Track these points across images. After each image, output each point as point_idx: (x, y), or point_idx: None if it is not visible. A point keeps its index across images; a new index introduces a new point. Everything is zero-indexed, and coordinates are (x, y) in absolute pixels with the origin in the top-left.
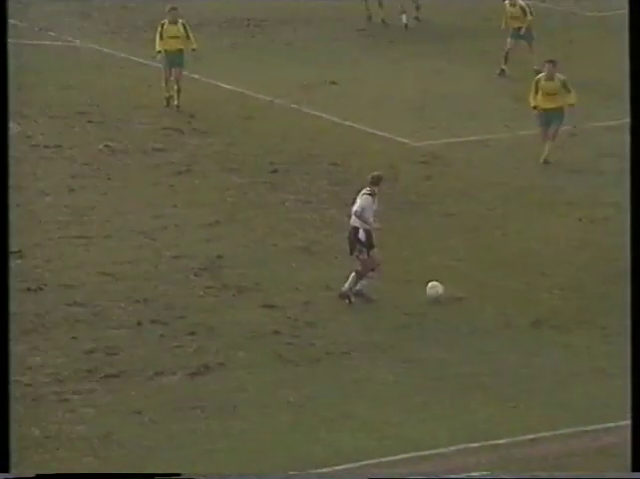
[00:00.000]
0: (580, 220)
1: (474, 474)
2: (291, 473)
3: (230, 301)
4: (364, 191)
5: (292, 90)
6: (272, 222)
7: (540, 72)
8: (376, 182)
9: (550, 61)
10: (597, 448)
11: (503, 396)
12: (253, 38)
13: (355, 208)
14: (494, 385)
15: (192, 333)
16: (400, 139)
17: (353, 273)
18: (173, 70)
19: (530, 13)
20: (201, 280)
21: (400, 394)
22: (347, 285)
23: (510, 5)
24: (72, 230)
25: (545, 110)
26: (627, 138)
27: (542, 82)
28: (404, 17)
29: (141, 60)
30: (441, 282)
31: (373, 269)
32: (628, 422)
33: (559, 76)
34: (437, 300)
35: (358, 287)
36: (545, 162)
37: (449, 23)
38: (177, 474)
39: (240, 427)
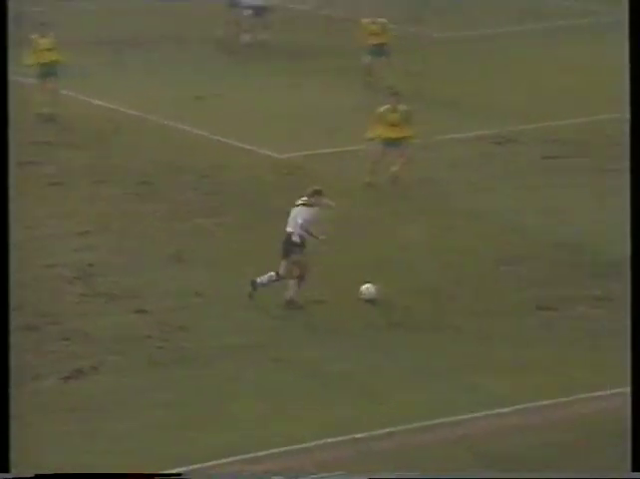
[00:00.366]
0: (432, 227)
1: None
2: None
3: (103, 308)
4: (301, 201)
5: (162, 106)
6: (143, 231)
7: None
8: (313, 194)
9: (395, 93)
10: (448, 440)
11: (365, 393)
12: (123, 56)
13: (299, 220)
14: (357, 382)
15: (66, 339)
16: (264, 151)
17: (293, 281)
18: (48, 80)
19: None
20: (75, 288)
21: (269, 392)
22: (291, 293)
23: (370, 22)
24: None
25: (387, 139)
26: (474, 152)
27: (386, 113)
28: (248, 36)
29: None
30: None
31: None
32: (480, 414)
33: (402, 107)
34: (372, 301)
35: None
36: (394, 177)
37: (306, 41)
38: (178, 474)
39: (114, 428)
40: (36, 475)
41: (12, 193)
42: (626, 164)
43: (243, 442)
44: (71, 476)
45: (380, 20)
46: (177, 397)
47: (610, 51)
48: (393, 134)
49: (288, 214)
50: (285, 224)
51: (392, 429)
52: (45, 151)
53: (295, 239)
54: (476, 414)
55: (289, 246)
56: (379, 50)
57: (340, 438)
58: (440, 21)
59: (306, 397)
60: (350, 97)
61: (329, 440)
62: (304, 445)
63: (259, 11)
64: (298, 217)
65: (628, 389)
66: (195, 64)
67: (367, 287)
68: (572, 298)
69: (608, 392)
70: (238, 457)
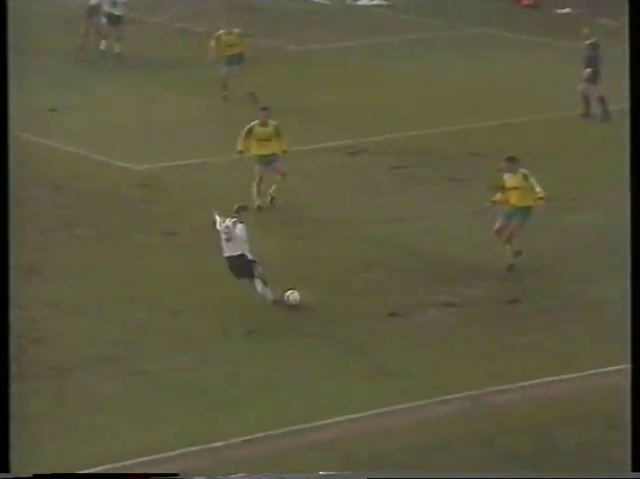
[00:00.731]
0: (289, 237)
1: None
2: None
3: None
4: (231, 221)
5: (14, 117)
6: None
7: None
8: (240, 211)
9: (264, 108)
10: (306, 445)
11: (222, 401)
12: None
13: (240, 237)
14: (214, 391)
15: None
16: (120, 163)
17: (264, 286)
18: None
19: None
20: None
21: (125, 404)
22: (271, 294)
23: (226, 34)
24: None
25: (259, 156)
26: (330, 160)
27: (257, 128)
28: (104, 45)
29: None
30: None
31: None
32: (340, 418)
33: (272, 122)
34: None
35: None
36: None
37: (162, 53)
38: (175, 474)
39: None
40: (36, 475)
41: None
42: (471, 174)
43: (100, 453)
44: (71, 476)
45: (235, 30)
46: (34, 411)
47: (447, 67)
48: (264, 150)
49: (140, 225)
50: (144, 236)
51: (249, 437)
52: None
53: (250, 256)
54: (336, 419)
55: (247, 265)
56: (236, 59)
57: (198, 447)
58: (294, 35)
59: (162, 408)
60: (207, 109)
61: (188, 449)
62: (163, 455)
63: (114, 20)
64: (242, 235)
65: (479, 392)
66: (50, 74)
67: (291, 293)
68: (424, 304)
69: (460, 395)
70: (93, 469)
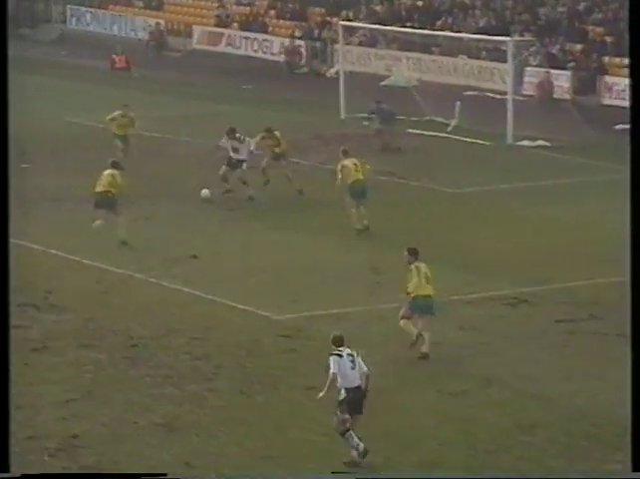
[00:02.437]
0: (440, 392)
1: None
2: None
3: None
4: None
5: (152, 264)
6: (132, 397)
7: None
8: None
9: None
10: None
11: None
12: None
13: (364, 369)
14: None
15: None
16: (261, 312)
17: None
18: None
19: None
20: (57, 461)
21: None
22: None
23: (352, 164)
24: None
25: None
26: (483, 312)
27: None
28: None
29: None
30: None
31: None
32: None
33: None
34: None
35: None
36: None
37: (302, 196)
38: (163, 474)
39: None
40: (36, 475)
41: None
42: None
43: None
44: (71, 476)
45: (358, 161)
46: None
47: (612, 210)
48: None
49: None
50: (285, 390)
51: None
52: (30, 314)
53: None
54: None
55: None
56: (353, 190)
57: None
58: (450, 177)
59: None
60: (347, 253)
61: None
62: None
63: (234, 165)
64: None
65: None
66: (191, 220)
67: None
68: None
69: None
70: None
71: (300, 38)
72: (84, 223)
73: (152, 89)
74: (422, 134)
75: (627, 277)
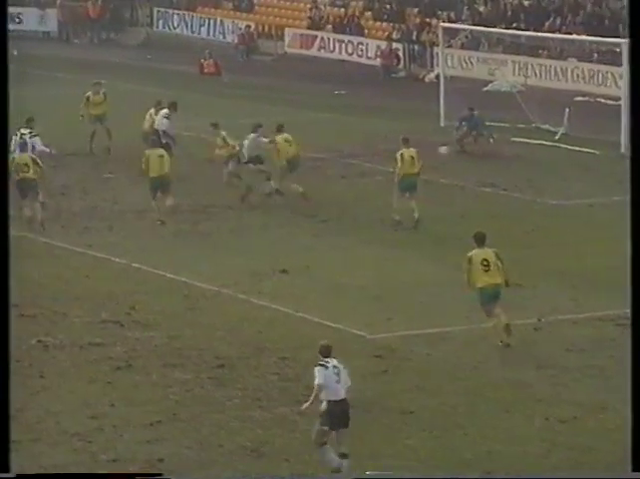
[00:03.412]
0: (547, 419)
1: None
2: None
3: None
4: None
5: (240, 279)
6: (218, 420)
7: None
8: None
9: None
10: None
11: None
12: (198, 225)
13: (348, 383)
14: None
15: None
16: (354, 331)
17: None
18: None
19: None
20: None
21: None
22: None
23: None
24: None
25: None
26: (592, 332)
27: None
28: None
29: (78, 249)
30: None
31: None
32: None
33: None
34: None
35: None
36: (505, 344)
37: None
38: (159, 474)
39: None
40: (37, 475)
41: (73, 378)
42: None
43: None
44: (71, 476)
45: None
46: None
47: None
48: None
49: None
50: (379, 413)
51: None
52: (113, 331)
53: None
54: None
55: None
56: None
57: None
58: (557, 188)
59: None
60: (448, 271)
61: None
62: None
63: None
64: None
65: None
66: (280, 233)
67: None
68: None
69: None
70: None
71: (398, 41)
72: (168, 235)
73: (242, 95)
74: (527, 142)
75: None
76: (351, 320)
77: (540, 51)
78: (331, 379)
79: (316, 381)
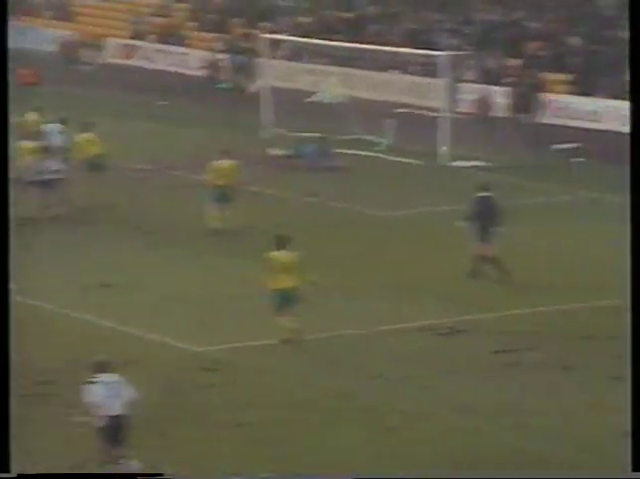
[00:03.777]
0: (373, 428)
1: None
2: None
3: None
4: None
5: (63, 293)
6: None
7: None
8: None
9: None
10: None
11: None
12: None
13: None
14: None
15: None
16: (181, 344)
17: None
18: None
19: None
20: None
21: None
22: None
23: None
24: None
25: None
26: (415, 342)
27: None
28: None
29: None
30: None
31: None
32: None
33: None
34: None
35: None
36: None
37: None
38: (160, 474)
39: None
40: (36, 475)
41: None
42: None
43: None
44: (71, 476)
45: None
46: None
47: (544, 234)
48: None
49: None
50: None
51: None
52: None
53: None
54: None
55: None
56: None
57: None
58: (377, 200)
59: None
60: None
61: None
62: None
63: None
64: None
65: None
66: (106, 246)
67: None
68: None
69: None
70: None
71: (222, 51)
72: None
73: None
74: (349, 153)
75: (568, 305)
76: (178, 334)
77: (361, 63)
78: (102, 394)
79: (85, 399)
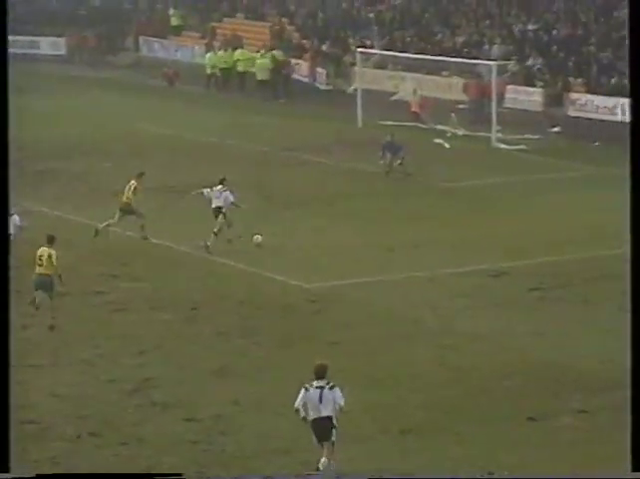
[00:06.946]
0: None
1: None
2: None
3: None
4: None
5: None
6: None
7: None
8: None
9: None
10: None
11: None
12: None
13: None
14: None
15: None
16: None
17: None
18: None
19: None
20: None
21: None
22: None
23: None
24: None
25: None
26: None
27: None
28: None
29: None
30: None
31: None
32: None
33: None
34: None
35: None
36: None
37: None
38: (179, 474)
39: None
40: (36, 475)
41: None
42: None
43: None
44: (71, 476)
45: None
46: None
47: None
48: None
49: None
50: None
51: None
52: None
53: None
54: None
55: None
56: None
57: None
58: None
59: None
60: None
61: None
62: None
63: None
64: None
65: None
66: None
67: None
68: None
69: None
70: None
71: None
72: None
73: None
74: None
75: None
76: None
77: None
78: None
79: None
